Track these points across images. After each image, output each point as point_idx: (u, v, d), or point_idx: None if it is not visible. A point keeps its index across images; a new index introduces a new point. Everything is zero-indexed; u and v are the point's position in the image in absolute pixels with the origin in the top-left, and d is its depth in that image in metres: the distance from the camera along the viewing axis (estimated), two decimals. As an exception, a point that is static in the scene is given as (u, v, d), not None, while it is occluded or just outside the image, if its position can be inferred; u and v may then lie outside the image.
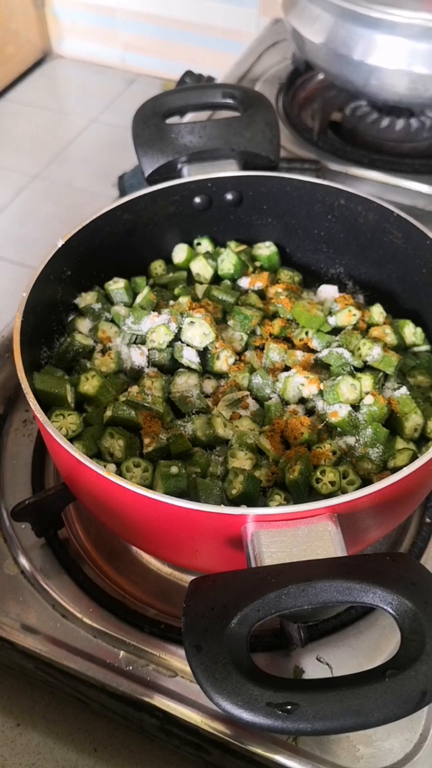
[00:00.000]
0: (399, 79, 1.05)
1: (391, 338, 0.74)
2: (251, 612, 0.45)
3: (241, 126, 0.85)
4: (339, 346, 0.72)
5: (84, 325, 0.76)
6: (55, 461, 0.72)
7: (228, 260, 0.82)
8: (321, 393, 0.68)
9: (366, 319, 0.76)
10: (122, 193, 1.31)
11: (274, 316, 0.78)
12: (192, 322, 0.71)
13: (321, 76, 1.37)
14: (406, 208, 0.84)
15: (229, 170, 0.83)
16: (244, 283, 0.82)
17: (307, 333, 0.74)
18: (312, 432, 0.65)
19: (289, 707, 0.41)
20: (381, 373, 0.71)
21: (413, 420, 0.68)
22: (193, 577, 0.49)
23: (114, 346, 0.74)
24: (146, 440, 0.65)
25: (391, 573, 0.47)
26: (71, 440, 0.65)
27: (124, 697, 0.64)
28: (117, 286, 0.80)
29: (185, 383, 0.70)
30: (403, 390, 0.69)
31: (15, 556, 0.73)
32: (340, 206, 0.81)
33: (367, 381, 0.68)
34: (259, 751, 0.60)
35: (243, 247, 0.86)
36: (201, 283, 0.83)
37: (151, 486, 0.62)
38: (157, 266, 0.85)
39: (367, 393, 0.68)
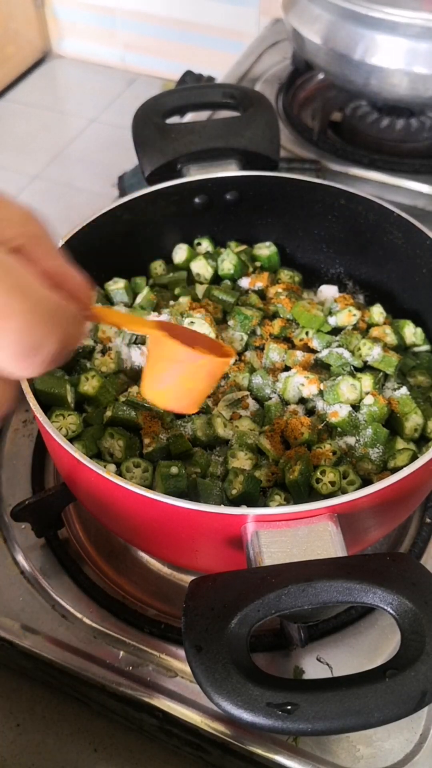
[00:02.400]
0: (399, 79, 1.05)
1: (391, 338, 0.74)
2: (251, 612, 0.45)
3: (241, 126, 0.85)
4: (339, 346, 0.72)
5: (84, 325, 0.76)
6: (55, 461, 0.72)
7: (228, 260, 0.82)
8: (321, 393, 0.68)
9: (366, 319, 0.76)
10: (122, 193, 1.31)
11: (274, 316, 0.77)
12: (192, 322, 0.71)
13: (321, 76, 1.37)
14: (406, 208, 0.84)
15: (229, 170, 0.83)
16: (244, 283, 0.82)
17: (307, 333, 0.74)
18: (312, 432, 0.65)
19: (289, 707, 0.41)
20: (381, 373, 0.71)
21: (413, 420, 0.68)
22: (193, 577, 0.49)
23: (114, 346, 0.74)
24: (146, 440, 0.65)
25: (391, 573, 0.47)
26: (71, 440, 0.65)
27: (124, 697, 0.64)
28: (117, 286, 0.80)
29: (185, 383, 0.70)
30: (403, 390, 0.69)
31: (15, 556, 0.73)
32: (340, 206, 0.81)
33: (367, 381, 0.68)
34: (259, 751, 0.60)
35: (243, 247, 0.86)
36: (201, 283, 0.83)
37: (151, 486, 0.62)
38: (157, 266, 0.85)
39: (367, 393, 0.68)
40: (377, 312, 0.77)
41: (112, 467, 0.64)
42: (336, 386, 0.67)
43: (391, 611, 0.45)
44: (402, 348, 0.76)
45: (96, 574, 0.72)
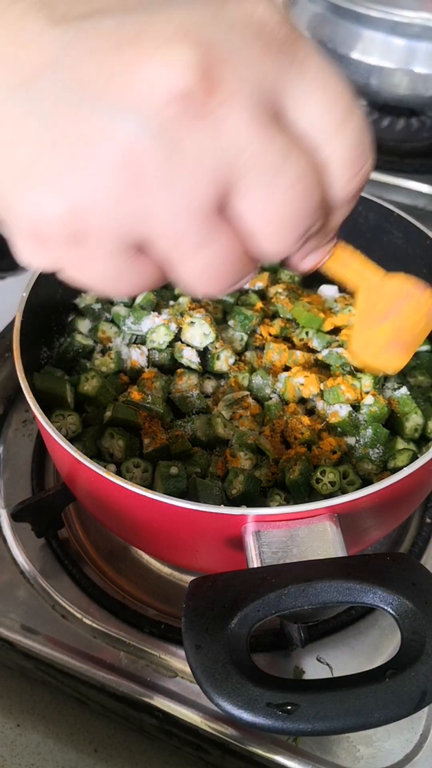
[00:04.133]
0: (399, 79, 1.05)
1: (391, 338, 0.73)
2: (251, 612, 0.45)
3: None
4: (339, 346, 0.72)
5: (84, 325, 0.76)
6: (55, 461, 0.72)
7: (228, 260, 0.82)
8: (321, 393, 0.68)
9: (366, 319, 0.76)
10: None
11: (274, 316, 0.77)
12: (192, 322, 0.71)
13: (321, 76, 1.36)
14: (406, 208, 0.84)
15: (229, 170, 0.83)
16: (244, 283, 0.82)
17: (307, 333, 0.74)
18: (312, 432, 0.65)
19: (289, 708, 0.41)
20: (381, 373, 0.71)
21: (413, 420, 0.68)
22: (193, 577, 0.49)
23: (114, 346, 0.74)
24: (146, 440, 0.65)
25: (391, 573, 0.47)
26: (71, 440, 0.65)
27: (124, 697, 0.64)
28: (117, 286, 0.79)
29: (185, 383, 0.70)
30: (404, 390, 0.69)
31: (15, 556, 0.73)
32: (340, 206, 0.81)
33: (367, 381, 0.68)
34: (260, 751, 0.60)
35: (243, 247, 0.86)
36: (201, 283, 0.83)
37: (151, 486, 0.62)
38: (157, 266, 0.85)
39: (367, 393, 0.68)
40: (377, 312, 0.77)
41: (112, 467, 0.64)
42: (336, 386, 0.67)
43: (391, 611, 0.45)
44: (402, 348, 0.75)
45: (96, 574, 0.72)
